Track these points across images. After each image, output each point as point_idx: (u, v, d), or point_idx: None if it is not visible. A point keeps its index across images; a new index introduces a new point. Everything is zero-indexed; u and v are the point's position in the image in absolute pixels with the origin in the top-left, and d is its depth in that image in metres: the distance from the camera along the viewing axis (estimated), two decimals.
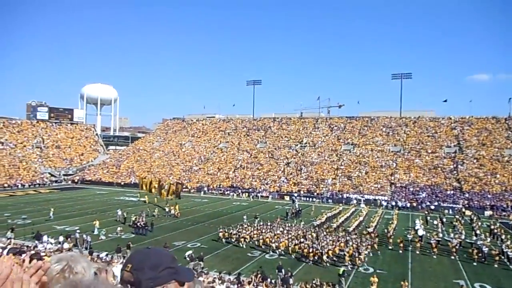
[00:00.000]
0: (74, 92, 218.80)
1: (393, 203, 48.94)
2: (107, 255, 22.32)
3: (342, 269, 20.41)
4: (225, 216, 38.98)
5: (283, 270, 20.06)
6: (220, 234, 28.46)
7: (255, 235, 28.00)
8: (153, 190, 46.77)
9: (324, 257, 23.08)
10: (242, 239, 27.24)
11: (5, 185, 59.80)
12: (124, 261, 1.48)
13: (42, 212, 37.68)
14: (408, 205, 48.34)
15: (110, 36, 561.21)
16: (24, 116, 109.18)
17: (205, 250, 24.97)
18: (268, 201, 52.73)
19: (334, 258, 23.69)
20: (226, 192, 58.32)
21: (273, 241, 26.32)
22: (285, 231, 28.79)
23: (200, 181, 63.93)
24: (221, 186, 61.03)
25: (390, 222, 33.73)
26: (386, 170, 58.48)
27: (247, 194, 56.55)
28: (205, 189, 59.91)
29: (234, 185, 60.52)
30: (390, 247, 27.44)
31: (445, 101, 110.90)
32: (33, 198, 50.26)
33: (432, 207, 46.56)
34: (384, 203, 49.14)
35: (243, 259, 24.08)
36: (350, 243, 25.50)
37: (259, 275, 19.01)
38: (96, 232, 29.31)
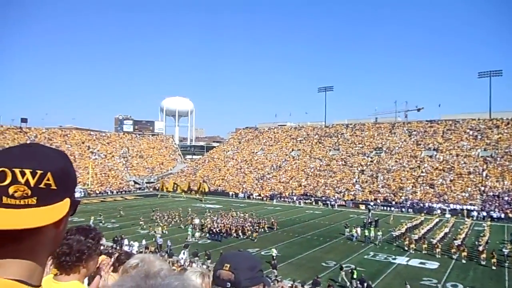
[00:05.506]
0: (155, 105, 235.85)
1: (485, 214, 44.28)
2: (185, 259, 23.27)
3: (356, 272, 20.15)
4: (297, 225, 38.47)
5: (365, 284, 19.01)
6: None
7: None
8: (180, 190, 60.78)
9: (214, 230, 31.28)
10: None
11: (97, 191, 65.99)
12: (219, 260, 1.58)
13: (128, 217, 40.70)
14: (503, 216, 43.36)
15: (186, 51, 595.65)
16: (113, 129, 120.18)
17: (278, 258, 24.73)
18: (342, 210, 51.02)
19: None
20: (298, 201, 57.79)
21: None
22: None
23: (273, 189, 64.23)
24: (293, 194, 60.65)
25: (482, 235, 30.50)
26: (475, 177, 53.21)
27: (320, 203, 55.55)
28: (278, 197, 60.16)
29: (307, 194, 59.72)
30: (482, 262, 24.71)
31: None
32: (120, 204, 54.51)
33: None
34: (474, 214, 44.66)
35: (317, 268, 23.40)
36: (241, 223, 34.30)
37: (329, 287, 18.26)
38: (159, 240, 28.09)
